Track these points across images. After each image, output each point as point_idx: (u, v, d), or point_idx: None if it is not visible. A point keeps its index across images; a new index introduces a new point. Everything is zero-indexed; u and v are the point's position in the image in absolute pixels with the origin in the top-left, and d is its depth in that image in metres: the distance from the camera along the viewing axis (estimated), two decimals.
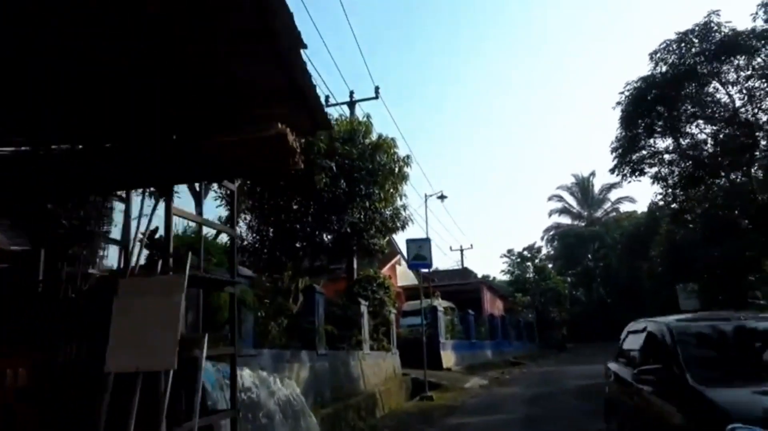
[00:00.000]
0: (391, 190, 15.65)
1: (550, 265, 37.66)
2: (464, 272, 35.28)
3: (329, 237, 14.61)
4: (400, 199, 16.78)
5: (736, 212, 30.50)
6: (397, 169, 15.08)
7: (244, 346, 7.23)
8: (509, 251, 38.69)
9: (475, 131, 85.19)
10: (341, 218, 13.91)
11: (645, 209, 52.42)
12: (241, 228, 13.58)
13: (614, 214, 58.84)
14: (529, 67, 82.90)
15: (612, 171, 19.00)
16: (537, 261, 38.00)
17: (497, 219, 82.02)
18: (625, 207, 57.93)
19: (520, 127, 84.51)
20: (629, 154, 18.85)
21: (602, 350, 32.85)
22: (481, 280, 29.02)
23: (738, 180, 21.26)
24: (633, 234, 48.62)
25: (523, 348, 31.64)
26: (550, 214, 57.34)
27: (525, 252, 38.30)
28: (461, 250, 44.63)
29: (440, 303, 23.88)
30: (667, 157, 19.24)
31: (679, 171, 19.63)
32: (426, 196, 22.22)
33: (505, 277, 38.89)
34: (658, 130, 18.34)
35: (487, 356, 24.71)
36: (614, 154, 19.01)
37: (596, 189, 59.83)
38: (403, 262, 32.88)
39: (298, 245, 13.87)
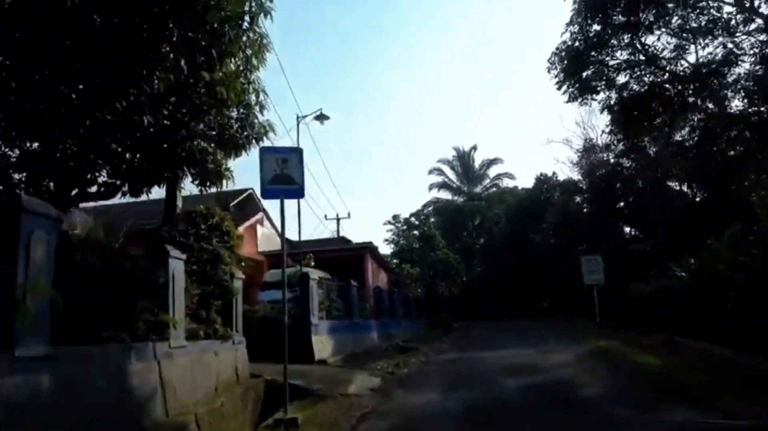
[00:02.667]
0: (241, 67, 9.45)
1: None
2: (342, 242, 29.73)
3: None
4: (256, 95, 10.67)
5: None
6: (251, 34, 8.98)
7: None
8: (394, 217, 33.92)
9: (357, 101, 79.62)
10: (132, 85, 7.36)
11: (525, 186, 51.84)
12: None
13: (494, 189, 57.85)
14: (413, 38, 78.90)
15: (559, 87, 14.08)
16: (425, 229, 33.53)
17: (378, 193, 77.58)
18: (504, 183, 57.78)
19: (402, 98, 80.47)
20: (579, 70, 14.14)
21: (495, 331, 29.02)
22: (365, 245, 23.51)
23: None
24: (520, 207, 46.75)
25: (413, 329, 26.75)
26: (430, 188, 55.42)
27: (412, 219, 33.66)
28: (337, 219, 39.39)
29: (314, 272, 17.91)
30: (621, 78, 14.85)
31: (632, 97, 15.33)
32: (299, 117, 16.02)
33: (389, 248, 34.14)
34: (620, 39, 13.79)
35: (372, 340, 19.19)
36: (558, 66, 14.14)
37: (477, 164, 58.81)
38: (267, 223, 26.23)
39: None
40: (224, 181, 10.56)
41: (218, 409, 8.25)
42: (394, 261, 32.19)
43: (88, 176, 8.87)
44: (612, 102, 15.48)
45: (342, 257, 23.60)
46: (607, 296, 29.16)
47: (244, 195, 27.20)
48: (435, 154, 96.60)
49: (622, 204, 34.85)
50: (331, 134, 73.95)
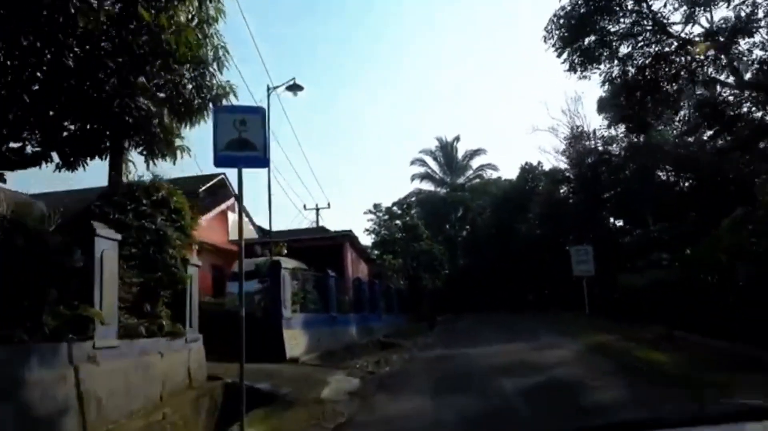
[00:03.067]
0: (195, 17, 8.08)
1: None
2: (321, 232, 28.16)
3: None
4: (215, 52, 9.36)
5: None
6: None
7: None
8: (375, 206, 32.40)
9: (338, 92, 77.80)
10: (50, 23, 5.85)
11: (509, 177, 50.66)
12: None
13: (477, 180, 56.59)
14: (396, 30, 77.27)
15: (558, 54, 12.69)
16: (408, 218, 32.11)
17: (359, 184, 75.98)
18: (488, 174, 56.42)
19: (384, 88, 78.86)
20: (579, 37, 12.76)
21: (481, 324, 27.72)
22: (344, 233, 21.97)
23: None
24: (504, 198, 45.58)
25: (395, 323, 25.37)
26: (412, 179, 53.58)
27: (394, 208, 32.22)
28: (317, 209, 37.88)
29: (287, 262, 16.41)
30: (624, 49, 13.51)
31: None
32: (270, 87, 14.41)
33: (370, 238, 32.69)
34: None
35: (351, 335, 17.75)
36: (557, 33, 12.75)
37: (460, 155, 57.48)
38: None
39: None
40: (179, 153, 9.01)
41: (159, 422, 6.76)
42: (375, 252, 30.74)
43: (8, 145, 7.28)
44: (614, 74, 14.14)
45: (319, 247, 22.06)
46: (596, 288, 28.13)
47: (216, 180, 25.47)
48: (417, 145, 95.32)
49: (610, 193, 33.87)
50: (310, 123, 72.11)
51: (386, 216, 31.88)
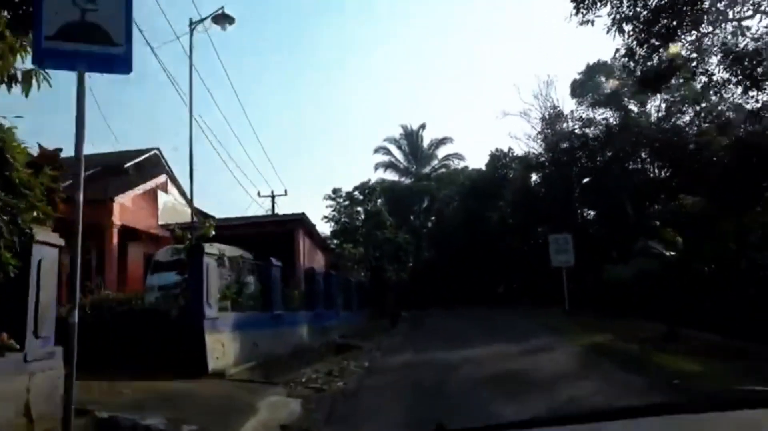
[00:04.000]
0: None
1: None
2: (271, 217, 24.94)
3: None
4: None
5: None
6: None
7: None
8: (335, 191, 29.31)
9: (297, 73, 73.96)
10: None
11: (477, 167, 48.41)
12: None
13: (444, 170, 54.35)
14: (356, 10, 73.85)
15: None
16: (370, 205, 29.21)
17: (320, 172, 72.48)
18: (454, 164, 54.34)
19: (346, 71, 75.43)
20: None
21: (452, 321, 24.78)
22: (296, 217, 18.83)
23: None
24: (473, 186, 43.18)
25: (355, 320, 22.46)
26: (375, 168, 51.23)
27: (356, 193, 29.22)
28: (272, 196, 34.77)
29: (218, 248, 13.30)
30: None
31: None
32: (192, 21, 11.16)
33: (328, 226, 29.64)
34: None
35: (301, 337, 14.76)
36: None
37: (425, 144, 55.29)
38: (175, 190, 21.15)
39: None
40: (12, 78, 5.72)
41: None
42: (335, 241, 27.79)
43: None
44: (623, 14, 11.54)
45: (267, 234, 18.92)
46: (575, 280, 25.88)
47: (149, 154, 22.03)
48: (382, 132, 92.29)
49: (587, 179, 31.71)
50: (265, 107, 68.19)
51: (346, 202, 28.91)
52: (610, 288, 22.47)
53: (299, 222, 18.97)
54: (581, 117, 31.62)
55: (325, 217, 29.22)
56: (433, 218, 51.23)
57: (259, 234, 18.90)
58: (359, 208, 29.38)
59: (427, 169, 54.77)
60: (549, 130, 33.32)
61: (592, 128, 31.63)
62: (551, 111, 33.00)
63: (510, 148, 44.06)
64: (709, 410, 1.67)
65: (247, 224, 19.02)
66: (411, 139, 55.71)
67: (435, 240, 47.37)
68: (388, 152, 54.31)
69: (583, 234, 28.46)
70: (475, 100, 75.64)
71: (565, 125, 32.81)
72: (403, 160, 55.29)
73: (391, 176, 53.35)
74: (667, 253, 19.42)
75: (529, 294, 31.51)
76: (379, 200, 29.91)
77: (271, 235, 18.90)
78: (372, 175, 70.12)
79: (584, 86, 32.81)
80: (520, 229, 33.78)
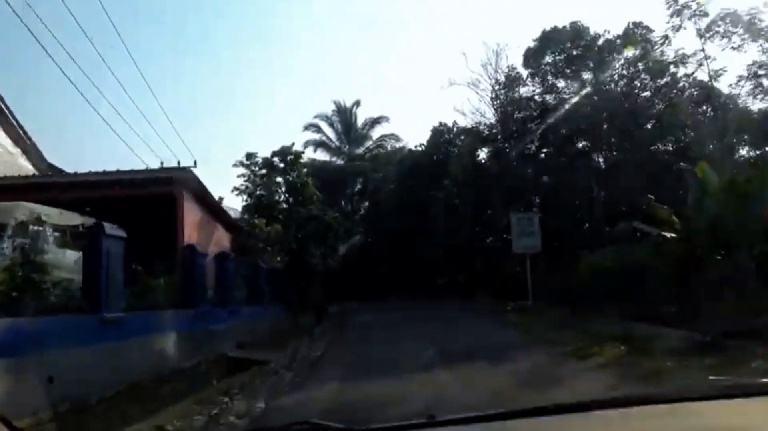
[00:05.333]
0: None
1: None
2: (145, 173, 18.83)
3: None
4: None
5: None
6: None
7: None
8: (249, 157, 23.49)
9: (215, 40, 66.32)
10: None
11: (417, 147, 44.22)
12: None
13: (379, 150, 50.59)
14: None
15: None
16: (293, 175, 23.72)
17: (242, 148, 65.28)
18: (391, 145, 50.63)
19: (272, 39, 68.68)
20: None
21: (393, 319, 17.85)
22: (177, 172, 12.98)
23: None
24: (413, 166, 38.44)
25: (264, 319, 17.01)
26: (305, 146, 45.86)
27: (275, 160, 23.58)
28: (179, 169, 28.83)
29: (29, 209, 7.63)
30: None
31: None
32: None
33: (241, 200, 23.89)
34: None
35: (164, 354, 9.31)
36: None
37: (359, 122, 51.55)
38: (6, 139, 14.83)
39: None
40: None
41: None
42: (250, 220, 22.11)
43: None
44: None
45: (135, 198, 13.17)
46: (538, 270, 21.71)
47: None
48: (312, 108, 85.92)
49: (545, 152, 27.69)
50: (177, 71, 60.60)
51: (263, 171, 23.30)
52: (587, 280, 18.44)
53: (183, 183, 13.21)
54: (542, 80, 27.52)
55: (236, 189, 23.54)
56: (367, 203, 47.50)
57: (124, 199, 13.11)
58: (279, 179, 23.88)
59: (360, 150, 51.31)
60: (504, 97, 29.02)
61: (552, 95, 27.65)
62: (509, 73, 28.64)
63: (455, 122, 39.92)
64: (687, 401, 1.71)
65: (105, 182, 13.16)
66: (344, 116, 51.95)
67: (370, 225, 43.42)
68: (318, 130, 50.48)
69: (549, 216, 24.45)
70: (414, 75, 70.98)
71: (521, 91, 28.60)
72: (336, 140, 51.47)
73: (322, 156, 49.72)
74: (668, 235, 15.38)
75: (484, 286, 27.24)
76: (305, 169, 24.49)
77: (143, 200, 13.16)
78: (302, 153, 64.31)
79: (539, 55, 28.86)
80: (470, 212, 29.38)
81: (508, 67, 29.44)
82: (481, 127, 30.50)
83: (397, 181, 40.82)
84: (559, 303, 19.72)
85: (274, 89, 70.94)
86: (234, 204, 23.16)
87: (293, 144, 24.54)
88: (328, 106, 51.47)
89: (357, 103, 51.34)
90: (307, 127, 48.99)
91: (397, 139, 50.47)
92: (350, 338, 16.43)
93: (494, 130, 29.37)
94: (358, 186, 48.22)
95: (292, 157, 24.02)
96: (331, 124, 51.21)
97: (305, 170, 25.61)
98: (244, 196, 23.85)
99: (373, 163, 47.13)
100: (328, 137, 50.98)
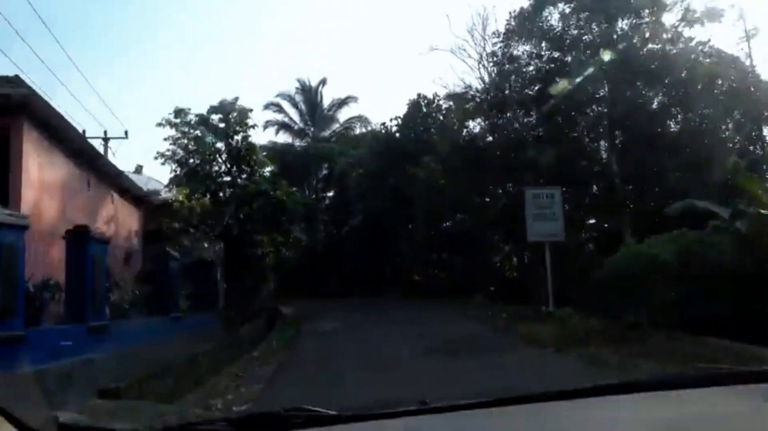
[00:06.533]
0: None
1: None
2: None
3: None
4: None
5: None
6: None
7: None
8: (179, 113, 17.67)
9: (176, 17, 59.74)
10: None
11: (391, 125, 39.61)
12: None
13: (348, 133, 47.61)
14: None
15: None
16: (238, 139, 18.00)
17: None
18: (360, 129, 47.50)
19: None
20: None
21: (373, 324, 13.64)
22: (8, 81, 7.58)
23: None
24: (387, 146, 32.44)
25: (176, 333, 11.40)
26: (265, 127, 44.01)
27: (212, 117, 17.81)
28: (105, 138, 23.20)
29: None
30: None
31: None
32: None
33: (168, 169, 18.17)
34: None
35: None
36: None
37: (326, 103, 48.35)
38: None
39: None
40: None
41: None
42: (177, 195, 16.43)
43: None
44: None
45: None
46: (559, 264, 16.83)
47: None
48: (275, 86, 79.76)
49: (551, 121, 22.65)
50: (129, 41, 54.21)
51: (196, 132, 17.60)
52: (633, 277, 13.58)
53: (24, 107, 7.59)
54: (546, 35, 22.53)
55: (161, 155, 17.72)
56: (332, 192, 44.10)
57: None
58: (220, 144, 18.19)
59: (327, 133, 47.92)
60: (500, 55, 23.95)
61: (560, 52, 22.72)
62: (508, 26, 23.52)
63: (435, 94, 34.88)
64: (675, 388, 1.76)
65: None
66: (309, 95, 48.22)
67: (337, 214, 39.72)
68: (280, 109, 46.77)
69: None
70: (387, 48, 65.74)
71: (524, 49, 23.55)
72: (299, 121, 47.88)
73: (284, 138, 46.32)
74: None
75: (476, 283, 22.47)
76: (253, 128, 18.66)
77: None
78: (261, 135, 60.66)
79: (533, 18, 24.01)
80: (459, 194, 24.45)
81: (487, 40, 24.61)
82: (472, 93, 25.39)
83: (369, 162, 36.05)
84: (584, 309, 14.97)
85: (231, 64, 64.95)
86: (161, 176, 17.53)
87: (237, 99, 18.89)
88: (292, 84, 50.25)
89: (323, 82, 47.66)
90: (267, 106, 45.22)
91: (367, 122, 46.83)
92: (309, 359, 11.31)
93: (488, 96, 24.27)
94: (324, 172, 44.54)
95: (235, 115, 18.39)
96: (295, 104, 47.76)
97: (252, 128, 19.33)
98: (173, 165, 18.18)
99: (340, 147, 43.34)
100: (291, 118, 47.54)
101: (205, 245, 13.87)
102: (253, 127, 18.95)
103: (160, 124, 18.58)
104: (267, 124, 45.34)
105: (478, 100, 24.86)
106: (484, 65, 26.11)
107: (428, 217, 26.73)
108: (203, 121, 18.45)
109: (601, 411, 1.64)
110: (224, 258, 16.54)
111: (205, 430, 1.57)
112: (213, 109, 18.79)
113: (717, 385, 1.70)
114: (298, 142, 46.57)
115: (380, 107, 76.58)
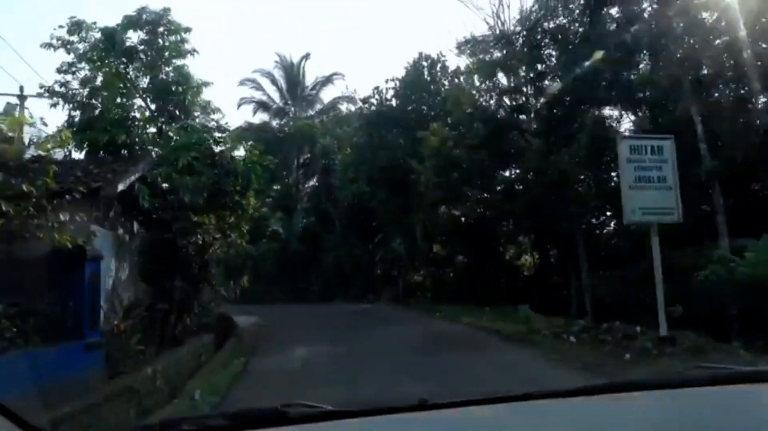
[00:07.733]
0: None
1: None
2: None
3: None
4: None
5: None
6: None
7: None
8: (75, 29, 11.40)
9: None
10: None
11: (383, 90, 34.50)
12: None
13: (331, 114, 45.09)
14: None
15: None
16: (170, 68, 12.02)
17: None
18: (345, 109, 45.15)
19: None
20: None
21: (329, 319, 10.78)
22: None
23: None
24: (378, 122, 29.07)
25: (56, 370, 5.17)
26: (239, 105, 41.88)
27: (128, 35, 11.57)
28: (21, 96, 17.89)
29: None
30: None
31: None
32: None
33: (63, 111, 12.23)
34: None
35: None
36: None
37: (308, 81, 45.77)
38: None
39: None
40: None
41: None
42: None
43: None
44: None
45: None
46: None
47: None
48: (252, 62, 74.10)
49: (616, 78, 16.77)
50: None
51: (101, 54, 11.43)
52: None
53: None
54: None
55: (46, 90, 11.43)
56: (315, 179, 41.14)
57: None
58: (134, 72, 11.89)
59: (309, 113, 45.25)
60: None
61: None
62: None
63: (440, 54, 29.43)
64: (675, 387, 1.79)
65: None
66: (289, 72, 45.70)
67: (318, 200, 37.30)
68: (258, 87, 43.94)
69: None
70: (377, 20, 60.65)
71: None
72: (279, 100, 45.28)
73: (262, 118, 43.57)
74: None
75: (494, 287, 17.08)
76: (192, 55, 12.37)
77: None
78: (235, 114, 55.78)
79: None
80: (479, 171, 18.83)
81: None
82: (497, 34, 19.37)
83: (359, 137, 31.70)
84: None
85: (205, 37, 59.43)
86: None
87: (168, 10, 12.46)
88: (271, 58, 48.43)
89: (306, 57, 44.95)
90: (243, 82, 42.10)
91: (354, 101, 43.37)
92: None
93: (521, 37, 18.13)
94: (306, 155, 41.37)
95: (163, 28, 12.18)
96: (274, 81, 44.91)
97: (192, 54, 12.98)
98: (67, 106, 11.97)
99: (324, 127, 40.86)
100: (269, 96, 44.83)
101: (94, 230, 7.70)
102: (192, 52, 12.73)
103: (48, 45, 12.28)
104: (242, 101, 42.58)
105: (505, 59, 18.67)
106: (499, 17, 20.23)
107: (434, 203, 21.10)
108: (112, 40, 12.10)
109: (602, 410, 1.65)
110: (139, 249, 10.45)
111: (201, 426, 1.58)
112: (130, 24, 12.43)
113: (717, 385, 1.70)
114: (277, 122, 43.53)
115: (369, 86, 71.21)
